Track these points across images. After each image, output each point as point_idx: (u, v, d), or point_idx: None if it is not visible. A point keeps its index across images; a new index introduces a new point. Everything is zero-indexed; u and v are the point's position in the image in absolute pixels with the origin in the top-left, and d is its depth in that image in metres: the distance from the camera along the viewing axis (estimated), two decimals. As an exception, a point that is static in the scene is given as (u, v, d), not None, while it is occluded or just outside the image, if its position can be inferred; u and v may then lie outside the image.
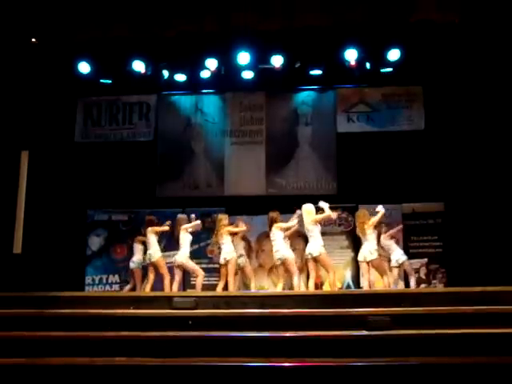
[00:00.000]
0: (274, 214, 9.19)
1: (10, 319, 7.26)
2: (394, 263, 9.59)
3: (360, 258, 9.29)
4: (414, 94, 11.40)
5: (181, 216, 9.72)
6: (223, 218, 9.42)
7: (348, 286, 10.59)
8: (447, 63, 10.63)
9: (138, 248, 9.95)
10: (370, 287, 9.14)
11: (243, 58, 10.62)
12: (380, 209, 9.16)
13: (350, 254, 10.83)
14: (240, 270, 9.66)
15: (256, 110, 11.72)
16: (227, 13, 8.63)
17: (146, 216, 9.98)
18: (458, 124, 10.76)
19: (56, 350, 6.64)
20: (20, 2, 8.58)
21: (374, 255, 9.06)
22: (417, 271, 10.33)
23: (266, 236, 10.82)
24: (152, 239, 9.49)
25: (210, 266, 10.78)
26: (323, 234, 9.92)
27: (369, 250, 9.09)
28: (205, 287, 9.76)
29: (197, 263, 9.67)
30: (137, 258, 9.91)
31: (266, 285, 10.86)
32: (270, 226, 9.09)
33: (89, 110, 11.91)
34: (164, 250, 10.17)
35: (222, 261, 9.26)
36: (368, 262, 9.12)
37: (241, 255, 9.62)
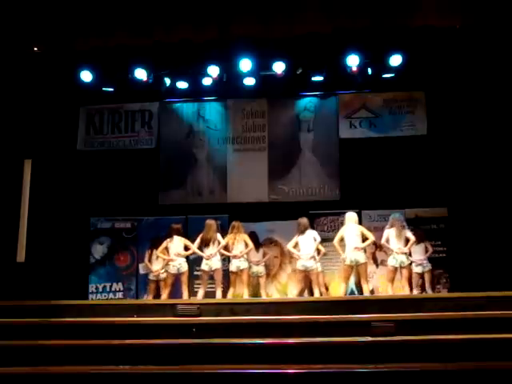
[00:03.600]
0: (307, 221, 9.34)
1: (13, 328, 7.27)
2: None
3: (395, 263, 9.07)
4: (416, 100, 11.38)
5: (209, 221, 9.58)
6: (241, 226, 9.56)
7: (352, 292, 10.54)
8: (449, 68, 10.63)
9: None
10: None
11: (245, 64, 10.64)
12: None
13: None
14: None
15: (258, 117, 11.72)
16: (229, 20, 8.63)
17: (173, 224, 9.76)
18: (460, 129, 10.75)
19: (60, 359, 6.64)
20: (21, 11, 8.60)
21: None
22: (420, 276, 10.29)
23: (269, 243, 10.85)
24: (181, 249, 9.46)
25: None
26: (328, 240, 9.95)
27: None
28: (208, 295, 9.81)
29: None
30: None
31: (270, 291, 10.82)
32: (304, 231, 9.16)
33: (91, 119, 11.93)
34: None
35: (234, 268, 9.38)
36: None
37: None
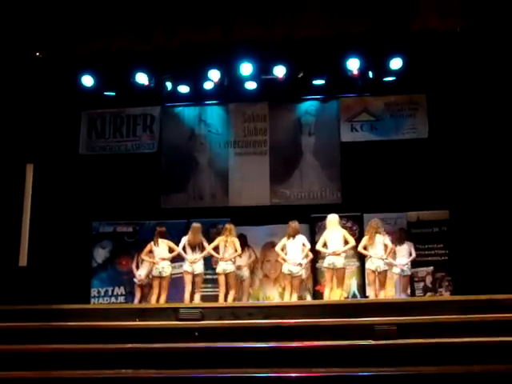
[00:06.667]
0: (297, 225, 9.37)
1: (15, 332, 7.28)
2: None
3: (371, 266, 9.15)
4: (417, 103, 11.38)
5: (196, 225, 9.60)
6: (233, 228, 9.52)
7: (354, 296, 10.56)
8: (450, 71, 10.63)
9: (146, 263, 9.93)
10: None
11: (246, 68, 10.66)
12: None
13: (355, 263, 10.79)
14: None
15: (259, 121, 11.72)
16: (230, 24, 8.65)
17: (158, 227, 9.86)
18: (461, 131, 10.75)
19: (62, 363, 6.64)
20: (23, 16, 8.63)
21: None
22: (423, 279, 10.30)
23: (271, 246, 10.83)
24: (165, 252, 9.48)
25: (216, 277, 10.70)
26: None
27: None
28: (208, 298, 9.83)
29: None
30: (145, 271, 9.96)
31: (272, 295, 10.83)
32: (294, 235, 9.17)
33: (93, 123, 11.94)
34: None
35: (221, 271, 9.36)
36: None
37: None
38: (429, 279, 10.52)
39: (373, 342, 6.64)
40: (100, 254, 11.36)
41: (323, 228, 10.66)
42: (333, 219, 9.18)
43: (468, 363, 6.20)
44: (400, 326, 6.78)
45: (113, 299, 11.11)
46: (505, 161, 10.27)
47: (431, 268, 10.52)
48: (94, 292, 11.13)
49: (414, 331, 6.80)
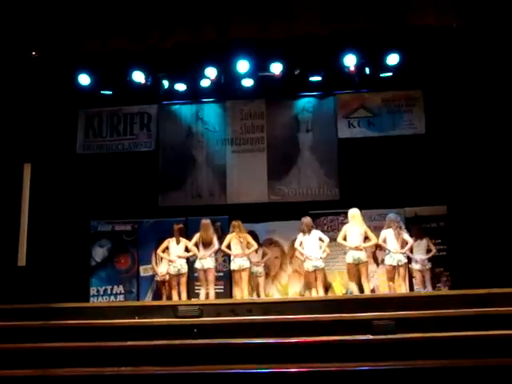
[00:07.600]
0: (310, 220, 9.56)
1: (15, 331, 7.29)
2: None
3: (392, 261, 9.25)
4: (414, 98, 11.39)
5: (205, 221, 9.65)
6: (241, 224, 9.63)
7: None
8: (447, 66, 10.64)
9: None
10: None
11: (243, 66, 10.66)
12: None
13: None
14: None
15: (256, 118, 11.72)
16: (226, 21, 8.64)
17: (175, 225, 9.89)
18: (459, 127, 10.76)
19: (62, 361, 6.65)
20: (19, 16, 8.62)
21: None
22: (421, 274, 10.29)
23: (270, 243, 10.86)
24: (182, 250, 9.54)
25: (219, 274, 10.74)
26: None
27: None
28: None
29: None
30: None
31: (271, 292, 10.84)
32: (309, 231, 9.32)
33: (90, 122, 11.93)
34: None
35: (237, 267, 9.44)
36: None
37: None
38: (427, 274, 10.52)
39: (371, 337, 6.66)
40: (99, 253, 11.37)
41: (322, 225, 10.75)
42: (356, 214, 9.25)
43: (466, 357, 6.21)
44: (398, 321, 6.80)
45: (112, 298, 11.13)
46: (502, 156, 10.29)
47: (429, 263, 10.52)
48: (93, 291, 11.14)
49: (412, 326, 6.82)
